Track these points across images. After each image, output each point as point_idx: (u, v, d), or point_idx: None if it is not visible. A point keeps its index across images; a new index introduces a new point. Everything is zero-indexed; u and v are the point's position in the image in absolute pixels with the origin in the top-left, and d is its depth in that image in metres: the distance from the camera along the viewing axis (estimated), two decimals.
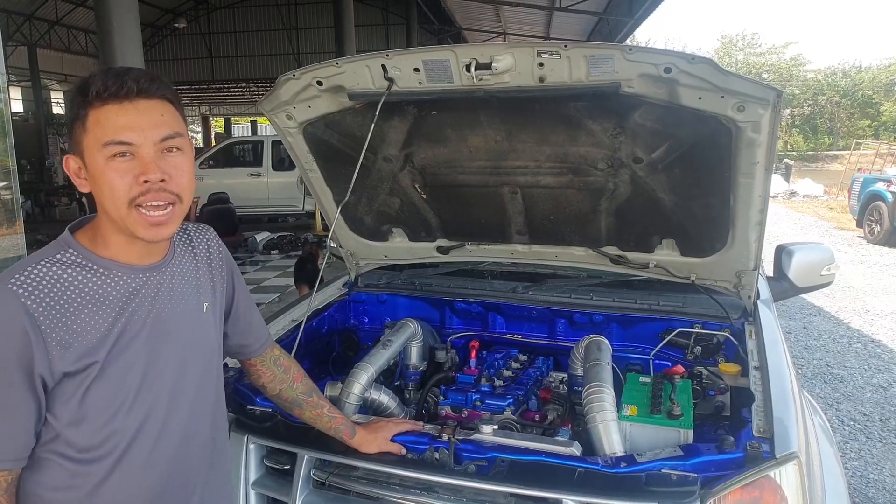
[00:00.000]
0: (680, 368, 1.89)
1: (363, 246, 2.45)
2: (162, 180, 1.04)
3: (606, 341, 1.93)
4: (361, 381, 1.82)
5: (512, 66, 1.62)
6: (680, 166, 1.81)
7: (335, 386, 1.88)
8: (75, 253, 1.08)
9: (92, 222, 1.12)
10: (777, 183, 17.69)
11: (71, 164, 1.07)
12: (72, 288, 1.05)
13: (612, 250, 2.18)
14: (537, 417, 1.91)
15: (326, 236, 2.65)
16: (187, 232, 1.27)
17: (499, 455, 1.44)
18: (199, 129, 33.45)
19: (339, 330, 2.44)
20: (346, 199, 2.08)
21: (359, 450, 1.50)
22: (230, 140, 15.55)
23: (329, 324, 2.41)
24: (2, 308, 0.99)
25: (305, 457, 1.52)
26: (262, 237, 10.19)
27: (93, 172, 1.04)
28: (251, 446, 1.60)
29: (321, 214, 3.42)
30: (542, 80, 1.63)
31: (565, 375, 2.11)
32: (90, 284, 1.06)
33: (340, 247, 2.48)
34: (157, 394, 1.11)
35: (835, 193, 17.19)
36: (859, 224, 10.85)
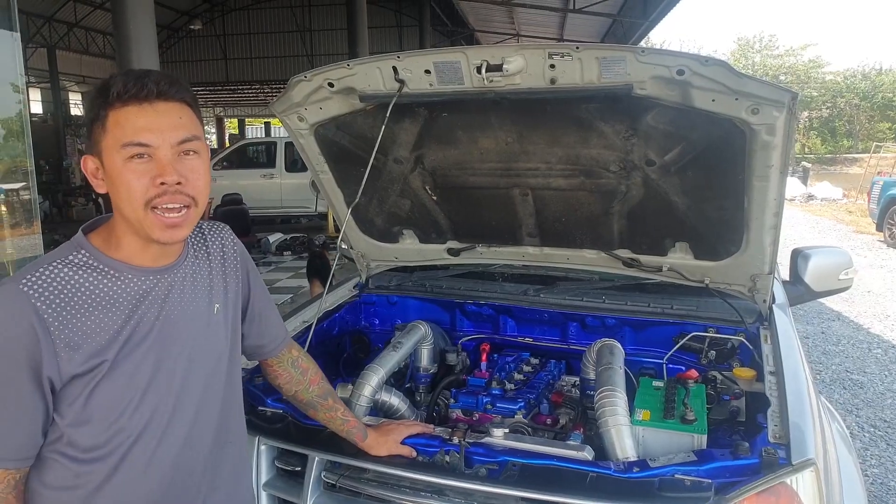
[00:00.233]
0: (694, 373, 1.86)
1: (374, 247, 2.45)
2: (178, 183, 1.04)
3: (619, 345, 1.91)
4: (372, 383, 1.82)
5: (523, 67, 1.61)
6: (693, 169, 1.79)
7: (346, 388, 1.89)
8: (87, 254, 1.08)
9: (106, 223, 1.13)
10: (795, 186, 17.48)
11: (89, 165, 1.08)
12: (82, 290, 1.05)
13: (625, 253, 2.16)
14: (549, 421, 1.89)
15: (335, 238, 2.66)
16: (202, 231, 1.26)
17: (510, 459, 1.43)
18: (214, 130, 33.77)
19: (350, 331, 2.44)
20: (357, 200, 2.08)
21: (369, 452, 1.50)
22: (244, 141, 15.73)
23: (340, 325, 2.41)
24: (12, 309, 1.00)
25: (316, 459, 1.52)
26: (274, 238, 10.24)
27: (110, 173, 1.04)
28: (262, 447, 1.60)
29: (333, 216, 3.43)
30: (553, 81, 1.62)
31: (577, 379, 2.09)
32: (101, 286, 1.07)
33: (351, 248, 2.49)
34: (164, 394, 1.12)
35: (854, 197, 16.92)
36: (879, 228, 10.70)
